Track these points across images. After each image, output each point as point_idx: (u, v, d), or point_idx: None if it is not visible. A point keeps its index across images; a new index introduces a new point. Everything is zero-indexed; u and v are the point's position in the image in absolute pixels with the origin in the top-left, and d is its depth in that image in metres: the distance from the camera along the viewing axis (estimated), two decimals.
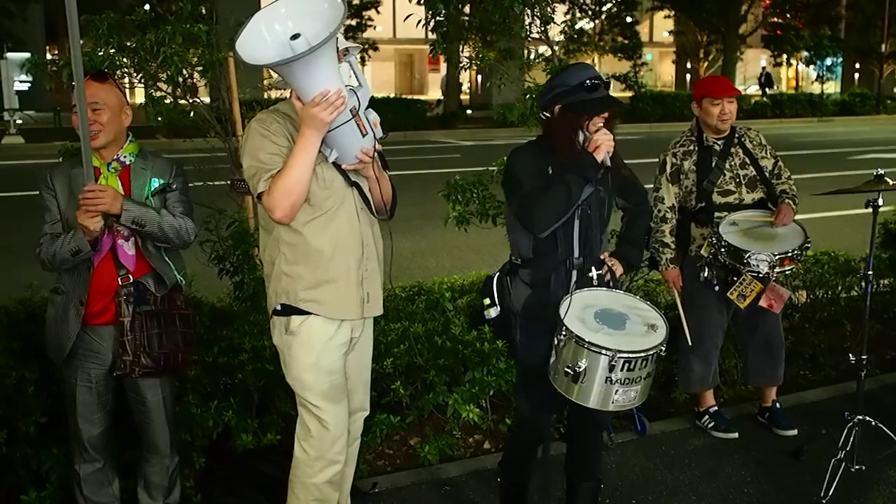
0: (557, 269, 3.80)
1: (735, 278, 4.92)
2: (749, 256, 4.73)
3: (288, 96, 3.57)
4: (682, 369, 5.37)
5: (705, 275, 5.05)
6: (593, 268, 3.84)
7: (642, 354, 3.47)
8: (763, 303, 4.91)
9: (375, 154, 3.46)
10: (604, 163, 3.65)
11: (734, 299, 4.93)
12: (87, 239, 3.53)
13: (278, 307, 3.55)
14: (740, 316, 5.21)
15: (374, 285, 3.67)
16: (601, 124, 3.69)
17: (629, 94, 33.70)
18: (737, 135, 5.15)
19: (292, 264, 3.49)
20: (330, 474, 3.62)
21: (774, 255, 4.72)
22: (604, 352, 3.43)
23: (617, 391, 3.49)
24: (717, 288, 5.04)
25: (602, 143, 3.64)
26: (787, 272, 4.83)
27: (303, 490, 3.63)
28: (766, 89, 40.07)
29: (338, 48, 3.24)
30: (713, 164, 5.05)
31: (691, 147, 5.14)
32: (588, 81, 3.68)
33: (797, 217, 5.03)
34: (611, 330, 3.57)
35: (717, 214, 5.00)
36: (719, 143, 5.11)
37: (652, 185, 5.17)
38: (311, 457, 3.60)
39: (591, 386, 3.50)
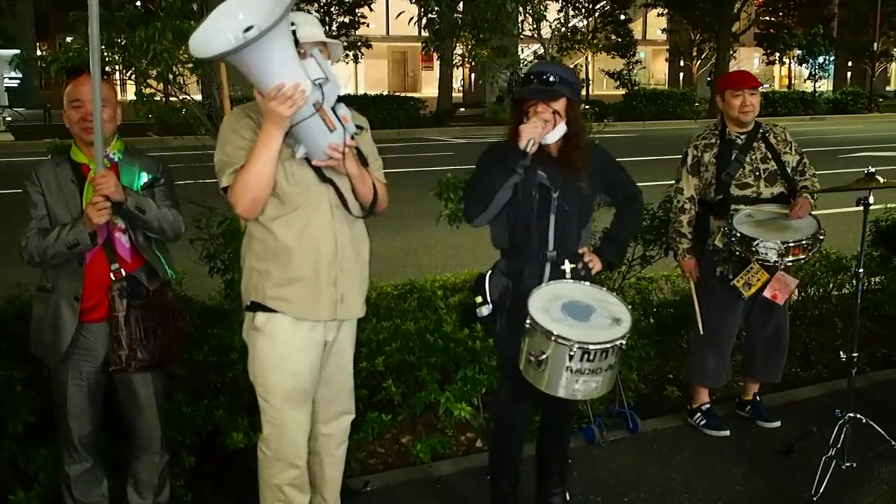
0: (531, 260, 3.89)
1: (746, 273, 4.95)
2: (757, 244, 4.75)
3: None
4: (695, 364, 5.38)
5: (721, 270, 5.08)
6: (567, 261, 3.89)
7: (601, 346, 3.50)
8: (767, 293, 4.92)
9: (351, 150, 3.41)
10: (526, 151, 3.70)
11: (739, 287, 4.96)
12: (87, 231, 3.52)
13: (248, 303, 3.54)
14: (752, 312, 5.24)
15: (350, 286, 3.59)
16: (538, 115, 3.76)
17: (622, 91, 33.81)
18: (761, 130, 5.17)
19: (262, 260, 3.47)
20: (290, 477, 3.59)
21: (782, 244, 4.73)
22: (562, 341, 3.48)
23: (578, 381, 3.53)
24: (732, 283, 5.06)
25: (524, 132, 3.72)
26: (790, 262, 4.82)
27: (269, 490, 3.63)
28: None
29: (297, 40, 3.18)
30: (733, 157, 5.07)
31: (713, 140, 5.18)
32: (528, 76, 3.82)
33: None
34: (574, 321, 3.60)
35: (733, 207, 5.02)
36: (742, 136, 5.13)
37: (673, 180, 5.28)
38: (270, 458, 3.59)
39: (553, 374, 3.54)
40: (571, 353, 3.48)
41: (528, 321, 3.59)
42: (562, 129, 3.82)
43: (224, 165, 3.36)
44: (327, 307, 3.53)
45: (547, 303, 3.67)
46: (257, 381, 3.56)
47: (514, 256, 3.94)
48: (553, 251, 3.88)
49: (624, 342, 3.58)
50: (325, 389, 3.72)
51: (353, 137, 3.39)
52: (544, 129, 3.75)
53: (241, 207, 3.32)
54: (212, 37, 3.09)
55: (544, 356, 3.52)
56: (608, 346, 3.52)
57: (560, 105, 3.79)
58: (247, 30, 3.09)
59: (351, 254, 3.58)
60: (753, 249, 4.76)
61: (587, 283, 3.92)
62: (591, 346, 3.48)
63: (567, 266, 3.90)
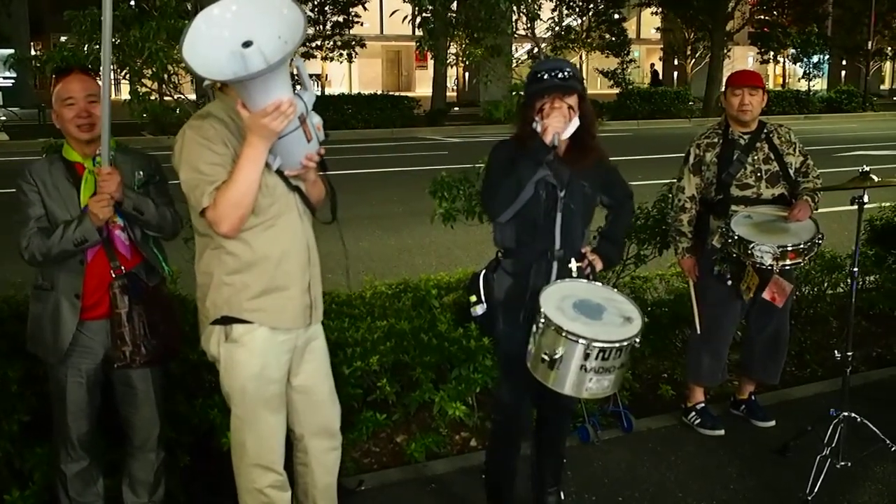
0: (538, 259, 3.90)
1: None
2: (753, 248, 4.74)
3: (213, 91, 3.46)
4: (692, 362, 5.40)
5: (719, 269, 5.09)
6: (573, 259, 3.91)
7: (617, 344, 3.53)
8: (766, 295, 4.94)
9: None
10: (552, 144, 3.73)
11: (742, 291, 4.99)
12: (95, 227, 3.52)
13: (217, 317, 3.41)
14: (751, 312, 5.25)
15: (318, 290, 3.60)
16: (557, 110, 3.77)
17: (616, 90, 33.80)
18: (765, 130, 5.16)
19: (235, 273, 3.34)
20: (270, 480, 3.54)
21: (777, 248, 4.72)
22: (580, 340, 3.49)
23: (591, 379, 3.55)
24: (729, 282, 5.07)
25: (549, 126, 3.74)
26: (788, 266, 4.80)
27: (249, 495, 3.57)
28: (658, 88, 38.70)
29: None
30: (735, 157, 5.07)
31: (716, 139, 5.18)
32: (538, 74, 3.83)
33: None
34: (588, 320, 3.62)
35: (733, 207, 5.02)
36: (745, 136, 5.13)
37: (676, 177, 5.29)
38: (248, 464, 3.53)
39: (567, 373, 3.55)
40: (588, 352, 3.49)
41: (541, 320, 3.59)
42: (575, 123, 3.83)
43: (200, 183, 3.20)
44: (302, 314, 3.51)
45: (559, 301, 3.68)
46: (234, 391, 3.46)
47: (519, 255, 3.95)
48: (560, 249, 3.90)
49: (637, 340, 3.60)
50: (305, 399, 3.67)
51: (322, 145, 3.36)
52: (565, 123, 3.78)
53: (226, 226, 3.18)
54: (209, 49, 2.99)
55: (558, 355, 3.52)
56: (624, 344, 3.55)
57: (573, 100, 3.82)
58: (245, 44, 3.00)
59: (316, 258, 3.58)
60: (749, 252, 4.76)
61: (595, 281, 3.95)
62: (608, 345, 3.50)
63: (573, 265, 3.92)
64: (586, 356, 3.50)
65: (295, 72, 3.23)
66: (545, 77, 3.80)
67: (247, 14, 3.05)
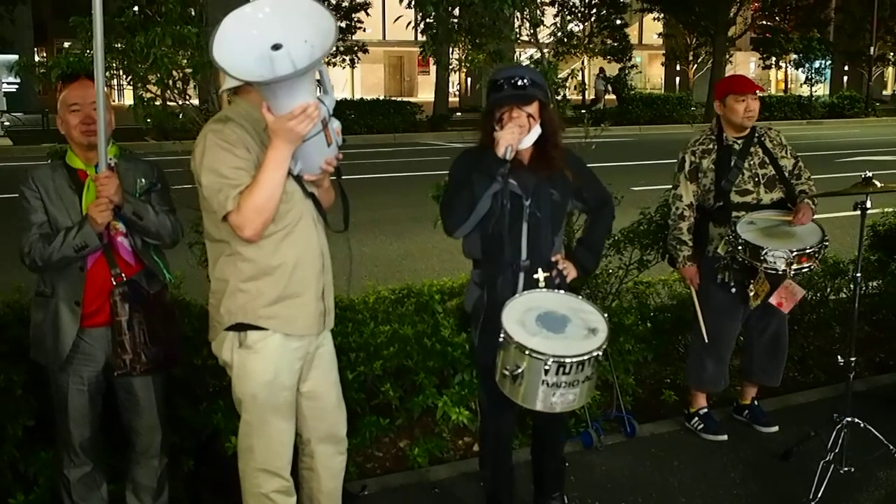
0: (504, 270, 3.84)
1: (751, 280, 4.95)
2: (766, 253, 4.71)
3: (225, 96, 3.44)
4: (695, 369, 5.38)
5: (722, 277, 5.08)
6: (540, 270, 3.85)
7: (577, 359, 3.46)
8: (773, 300, 4.89)
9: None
10: (504, 157, 3.64)
11: (751, 297, 4.96)
12: (95, 232, 3.52)
13: (231, 324, 3.39)
14: (751, 316, 5.23)
15: (330, 297, 3.61)
16: (514, 120, 3.69)
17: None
18: (757, 134, 5.14)
19: (251, 280, 3.34)
20: (277, 485, 3.54)
21: (792, 252, 4.69)
22: (537, 356, 3.44)
23: (555, 394, 3.49)
24: (733, 290, 5.06)
25: (500, 139, 3.65)
26: (804, 270, 4.80)
27: (254, 499, 3.58)
28: (605, 99, 36.48)
29: None
30: (732, 163, 5.05)
31: (710, 146, 5.14)
32: (497, 81, 3.73)
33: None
34: (549, 333, 3.57)
35: (734, 214, 4.99)
36: (739, 142, 5.10)
37: (671, 184, 5.26)
38: (255, 469, 3.53)
39: (530, 388, 3.50)
40: (547, 367, 3.44)
41: (501, 335, 3.55)
42: (536, 132, 3.75)
43: (223, 187, 3.18)
44: (316, 321, 3.51)
45: (521, 315, 3.63)
46: (246, 397, 3.45)
47: (486, 266, 3.90)
48: (526, 260, 3.84)
49: (600, 353, 3.54)
50: (314, 405, 3.67)
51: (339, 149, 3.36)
52: (521, 135, 3.69)
53: (249, 231, 3.17)
54: (238, 50, 2.96)
55: (520, 370, 3.48)
56: (584, 358, 3.48)
57: (533, 108, 3.72)
58: (275, 47, 2.99)
59: (329, 265, 3.58)
60: (762, 258, 4.73)
61: (562, 291, 3.87)
62: (567, 360, 3.44)
63: (540, 275, 3.85)
64: (546, 371, 3.44)
65: (317, 76, 3.24)
66: (503, 86, 3.71)
67: (277, 17, 3.04)
